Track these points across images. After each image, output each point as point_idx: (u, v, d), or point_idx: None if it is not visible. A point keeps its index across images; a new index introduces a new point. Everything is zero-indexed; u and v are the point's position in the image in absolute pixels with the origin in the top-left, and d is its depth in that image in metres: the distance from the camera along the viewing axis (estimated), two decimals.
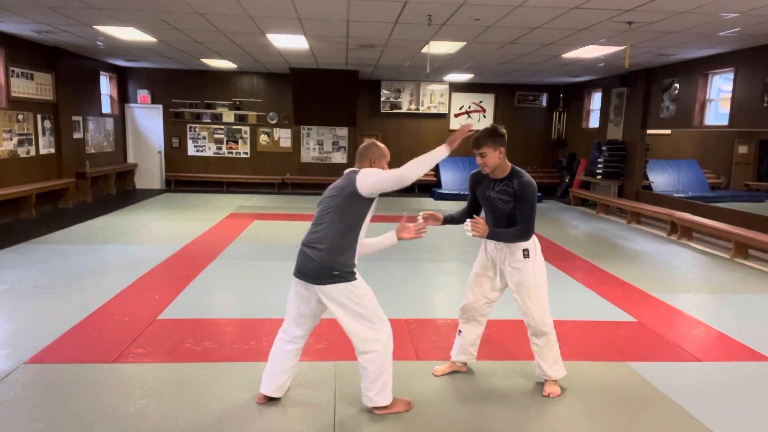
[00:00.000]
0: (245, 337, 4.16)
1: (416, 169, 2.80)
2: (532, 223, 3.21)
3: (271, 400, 3.18)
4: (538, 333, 3.33)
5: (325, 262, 2.82)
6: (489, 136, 3.18)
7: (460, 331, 3.59)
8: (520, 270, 3.26)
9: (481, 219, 3.21)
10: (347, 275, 2.85)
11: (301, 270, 2.92)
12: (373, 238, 3.16)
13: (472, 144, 3.21)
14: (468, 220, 3.20)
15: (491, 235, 3.23)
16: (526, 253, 3.25)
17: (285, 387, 3.17)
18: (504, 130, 3.24)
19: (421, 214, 3.24)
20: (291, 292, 3.05)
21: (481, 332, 3.58)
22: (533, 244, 3.29)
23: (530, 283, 3.26)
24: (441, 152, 2.88)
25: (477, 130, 3.21)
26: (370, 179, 2.84)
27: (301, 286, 2.95)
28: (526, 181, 3.18)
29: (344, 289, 2.84)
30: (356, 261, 2.94)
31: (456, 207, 3.48)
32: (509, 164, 3.26)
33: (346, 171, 3.02)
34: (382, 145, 3.09)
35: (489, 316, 3.58)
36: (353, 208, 2.87)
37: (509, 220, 3.24)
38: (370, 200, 2.91)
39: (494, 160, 3.18)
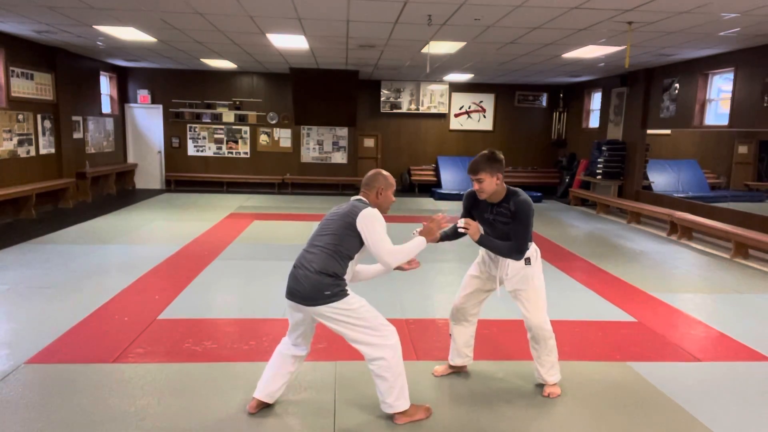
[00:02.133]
0: (245, 337, 4.16)
1: (400, 259, 2.89)
2: (526, 241, 3.17)
3: (264, 408, 3.10)
4: (536, 338, 3.33)
5: (316, 285, 2.80)
6: (486, 162, 3.10)
7: (450, 335, 3.59)
8: (520, 277, 3.26)
9: (474, 222, 3.20)
10: (339, 293, 2.82)
11: (292, 292, 2.89)
12: (367, 266, 3.17)
13: (469, 170, 3.15)
14: (462, 219, 3.19)
15: (482, 240, 3.19)
16: (527, 261, 3.25)
17: (278, 394, 3.10)
18: (501, 156, 3.15)
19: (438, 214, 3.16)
20: (287, 308, 3.00)
21: (473, 332, 3.58)
22: (534, 251, 3.29)
23: (530, 288, 3.26)
24: (421, 245, 2.97)
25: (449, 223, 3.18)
26: (369, 234, 2.82)
27: (294, 307, 2.92)
28: (522, 200, 3.13)
29: (338, 307, 2.81)
30: (348, 279, 2.93)
31: (456, 206, 3.46)
32: (505, 186, 3.20)
33: (353, 199, 3.00)
34: (388, 174, 3.06)
35: (479, 315, 3.58)
36: (349, 238, 2.86)
37: (508, 239, 3.22)
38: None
39: (491, 186, 3.12)
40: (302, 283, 2.83)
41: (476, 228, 3.16)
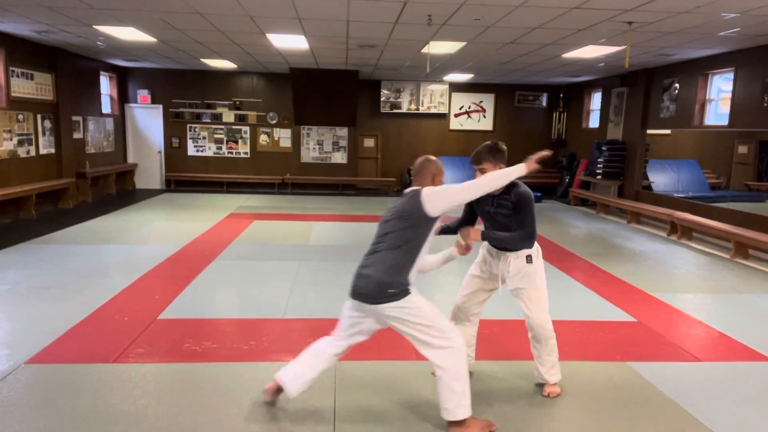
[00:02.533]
0: (245, 337, 4.16)
1: (499, 182, 2.85)
2: (534, 228, 3.17)
3: (278, 393, 3.10)
4: (538, 337, 3.34)
5: (382, 283, 2.79)
6: (489, 152, 3.14)
7: None
8: (521, 275, 3.26)
9: (471, 229, 3.16)
10: (403, 292, 2.82)
11: (356, 291, 2.89)
12: (431, 256, 3.15)
13: (472, 160, 3.19)
14: (454, 248, 3.14)
15: (486, 236, 3.16)
16: (529, 259, 3.25)
17: (302, 389, 3.04)
18: (504, 147, 3.20)
19: None
20: (345, 308, 3.01)
21: (474, 332, 3.57)
22: (536, 249, 3.29)
23: (532, 287, 3.27)
24: (517, 170, 2.90)
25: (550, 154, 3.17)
26: (440, 197, 2.80)
27: (357, 307, 2.93)
28: (523, 190, 3.16)
29: (400, 306, 2.80)
30: (413, 278, 2.91)
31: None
32: None
33: (407, 191, 2.97)
34: (435, 159, 3.05)
35: (481, 315, 3.58)
36: (418, 230, 2.84)
37: (508, 231, 3.21)
38: (436, 219, 2.88)
39: None
40: (367, 282, 2.83)
41: (474, 233, 3.12)
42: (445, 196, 2.81)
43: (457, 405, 2.83)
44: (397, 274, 2.81)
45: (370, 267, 2.85)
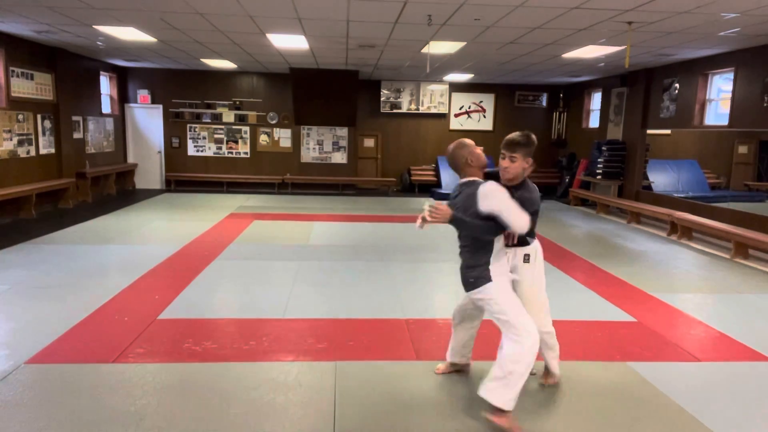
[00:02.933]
0: (245, 337, 4.16)
1: (515, 217, 2.89)
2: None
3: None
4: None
5: (465, 273, 3.06)
6: (526, 144, 3.02)
7: (452, 333, 3.61)
8: (519, 274, 3.26)
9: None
10: (481, 280, 3.00)
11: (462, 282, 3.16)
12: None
13: (505, 144, 3.05)
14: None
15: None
16: (526, 258, 3.24)
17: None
18: (536, 142, 3.11)
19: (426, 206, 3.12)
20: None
21: (473, 334, 3.56)
22: (534, 249, 3.28)
23: (529, 286, 3.27)
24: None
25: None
26: (490, 200, 2.86)
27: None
28: (527, 197, 3.05)
29: (481, 295, 3.02)
30: (491, 266, 3.00)
31: None
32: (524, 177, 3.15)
33: (463, 183, 3.02)
34: (462, 142, 3.05)
35: (482, 317, 3.58)
36: (482, 225, 2.91)
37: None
38: (486, 215, 2.90)
39: (519, 169, 3.05)
40: (460, 272, 3.12)
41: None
42: (494, 201, 2.85)
43: (503, 394, 2.93)
44: (474, 263, 3.02)
45: (462, 260, 3.12)
